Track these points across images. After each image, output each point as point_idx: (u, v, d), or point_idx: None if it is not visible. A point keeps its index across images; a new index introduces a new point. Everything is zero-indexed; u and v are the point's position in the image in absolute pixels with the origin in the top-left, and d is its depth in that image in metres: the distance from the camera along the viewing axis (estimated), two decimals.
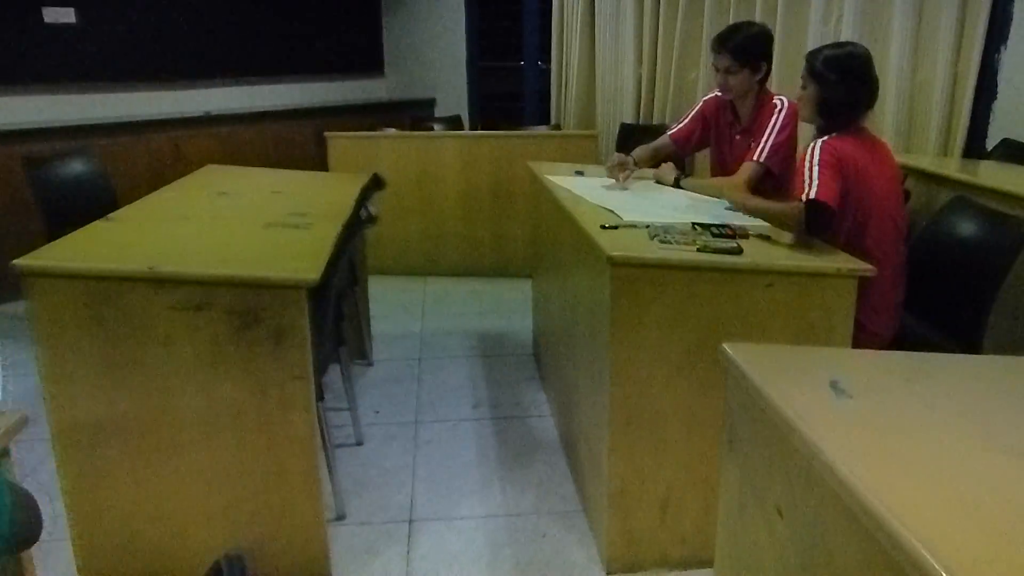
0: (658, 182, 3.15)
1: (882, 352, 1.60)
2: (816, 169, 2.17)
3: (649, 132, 5.28)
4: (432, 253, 5.04)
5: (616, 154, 3.15)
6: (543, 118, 6.05)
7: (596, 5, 5.40)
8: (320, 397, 2.14)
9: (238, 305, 1.92)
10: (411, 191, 4.94)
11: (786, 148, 2.89)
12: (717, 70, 2.93)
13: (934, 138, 4.50)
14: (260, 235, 2.35)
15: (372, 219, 2.82)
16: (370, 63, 6.80)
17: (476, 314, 4.39)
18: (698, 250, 2.04)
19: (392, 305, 4.49)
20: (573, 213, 2.49)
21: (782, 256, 2.07)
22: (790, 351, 1.58)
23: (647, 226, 2.28)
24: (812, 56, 2.34)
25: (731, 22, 4.89)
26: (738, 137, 3.03)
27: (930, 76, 4.47)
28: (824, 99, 2.29)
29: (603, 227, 2.27)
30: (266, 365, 1.96)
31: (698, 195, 2.89)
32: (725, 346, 1.45)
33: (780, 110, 2.88)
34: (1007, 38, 4.34)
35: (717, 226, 2.30)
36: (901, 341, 2.37)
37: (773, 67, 3.23)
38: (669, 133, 3.24)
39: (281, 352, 1.95)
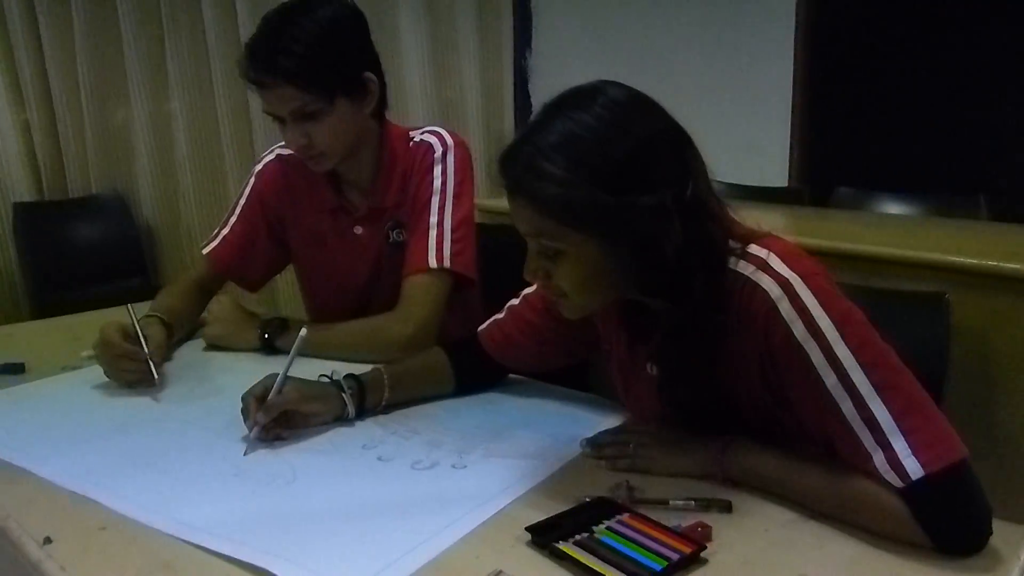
0: (213, 343, 1.46)
1: None
2: (868, 362, 0.82)
3: (72, 209, 3.30)
4: None
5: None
6: None
7: None
8: None
9: None
10: None
11: (471, 223, 1.48)
12: (277, 119, 1.34)
13: (483, 169, 3.56)
14: None
15: None
16: None
17: None
18: None
19: None
20: None
21: None
22: None
23: None
24: (521, 171, 0.88)
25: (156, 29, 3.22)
26: (359, 230, 1.50)
27: (456, 94, 3.49)
28: (640, 251, 0.87)
29: None
30: None
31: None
32: None
33: (443, 154, 1.46)
34: (531, 40, 3.64)
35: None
36: None
37: None
38: (205, 251, 1.55)
39: None
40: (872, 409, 0.80)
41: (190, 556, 0.80)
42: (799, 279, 0.86)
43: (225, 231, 1.54)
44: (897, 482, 0.79)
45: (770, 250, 0.90)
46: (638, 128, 0.87)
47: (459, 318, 1.48)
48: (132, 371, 1.21)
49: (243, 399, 1.07)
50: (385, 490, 0.94)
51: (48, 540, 0.83)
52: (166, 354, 1.33)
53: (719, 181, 3.17)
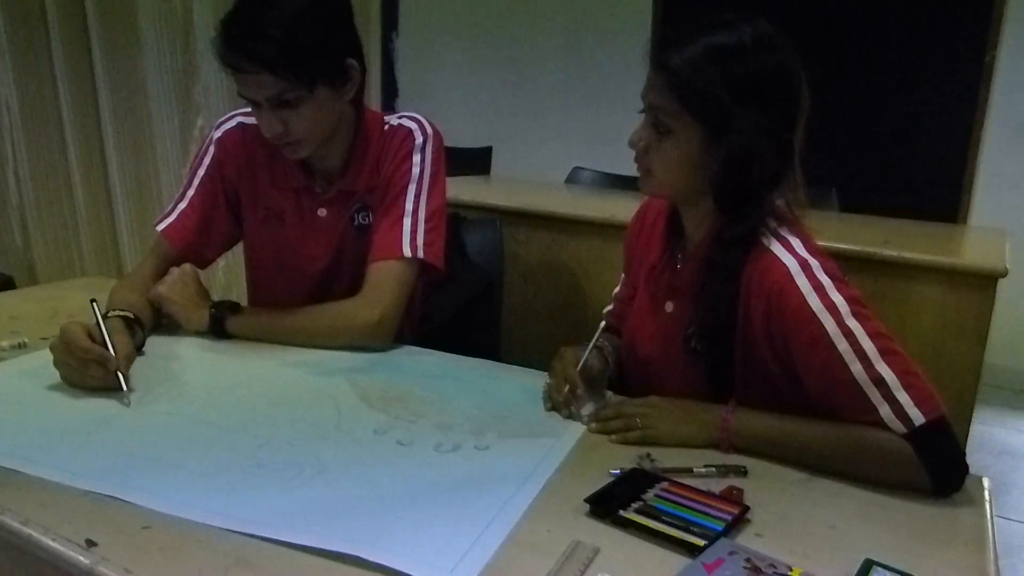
0: (157, 303, 1.36)
1: None
2: (872, 332, 0.99)
3: None
4: None
5: None
6: None
7: None
8: None
9: None
10: None
11: (443, 214, 1.48)
12: (251, 102, 1.29)
13: None
14: None
15: None
16: None
17: None
18: None
19: None
20: None
21: None
22: None
23: None
24: (670, 50, 1.04)
25: None
26: (323, 212, 1.46)
27: None
28: (734, 159, 1.04)
29: None
30: None
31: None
32: None
33: (422, 144, 1.44)
34: (397, 22, 3.58)
35: None
36: None
37: None
38: (160, 228, 1.44)
39: None
40: (879, 370, 0.96)
41: (261, 549, 0.77)
42: (817, 264, 1.03)
43: (183, 205, 1.44)
44: (902, 429, 0.95)
45: (796, 237, 1.07)
46: (781, 55, 1.04)
47: None
48: (101, 377, 1.09)
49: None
50: (422, 473, 0.94)
51: (91, 543, 0.76)
52: (133, 357, 1.19)
53: (592, 170, 3.24)
